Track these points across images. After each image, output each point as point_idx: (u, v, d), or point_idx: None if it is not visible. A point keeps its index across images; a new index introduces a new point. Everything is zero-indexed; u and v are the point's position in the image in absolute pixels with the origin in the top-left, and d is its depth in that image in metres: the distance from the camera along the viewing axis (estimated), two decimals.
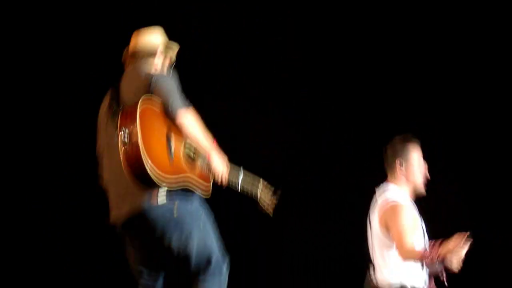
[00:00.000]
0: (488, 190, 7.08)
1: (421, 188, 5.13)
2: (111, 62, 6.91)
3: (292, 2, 7.30)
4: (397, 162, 5.09)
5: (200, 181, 4.14)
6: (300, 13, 7.28)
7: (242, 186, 4.23)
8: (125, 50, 4.49)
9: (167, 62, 4.41)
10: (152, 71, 4.21)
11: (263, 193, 4.40)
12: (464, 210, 6.95)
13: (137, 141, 3.78)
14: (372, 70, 7.25)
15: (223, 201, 6.95)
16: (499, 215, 7.03)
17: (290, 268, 7.30)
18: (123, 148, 3.80)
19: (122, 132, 3.81)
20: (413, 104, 7.14)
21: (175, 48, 4.46)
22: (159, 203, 4.00)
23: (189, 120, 3.97)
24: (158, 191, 3.98)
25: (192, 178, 4.08)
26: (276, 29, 7.28)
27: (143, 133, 3.81)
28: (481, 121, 7.11)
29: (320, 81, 7.32)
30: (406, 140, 5.15)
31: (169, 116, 3.95)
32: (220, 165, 4.14)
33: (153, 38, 4.39)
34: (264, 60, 7.26)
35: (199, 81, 6.92)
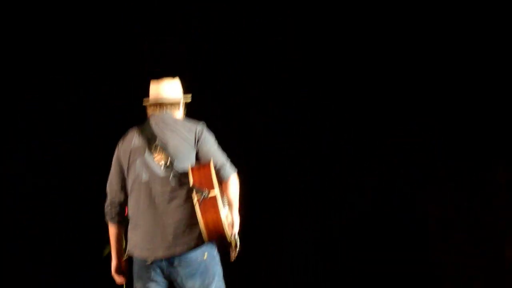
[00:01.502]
0: (489, 190, 7.08)
1: None
2: (111, 61, 6.92)
3: (292, 2, 7.30)
4: None
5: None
6: (300, 13, 7.29)
7: (236, 240, 4.70)
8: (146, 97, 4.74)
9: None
10: (190, 122, 4.64)
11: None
12: (464, 208, 6.96)
13: (217, 206, 4.40)
14: (372, 70, 7.25)
15: None
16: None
17: (290, 268, 7.31)
18: (201, 202, 4.38)
19: (199, 190, 4.37)
20: (413, 104, 7.14)
21: (189, 98, 4.84)
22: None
23: (237, 184, 4.60)
24: None
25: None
26: (276, 29, 7.28)
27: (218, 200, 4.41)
28: (481, 121, 7.12)
29: (320, 81, 7.32)
30: None
31: (220, 175, 4.52)
32: (238, 224, 4.68)
33: (177, 89, 4.76)
34: (264, 60, 7.27)
35: (199, 81, 6.92)
